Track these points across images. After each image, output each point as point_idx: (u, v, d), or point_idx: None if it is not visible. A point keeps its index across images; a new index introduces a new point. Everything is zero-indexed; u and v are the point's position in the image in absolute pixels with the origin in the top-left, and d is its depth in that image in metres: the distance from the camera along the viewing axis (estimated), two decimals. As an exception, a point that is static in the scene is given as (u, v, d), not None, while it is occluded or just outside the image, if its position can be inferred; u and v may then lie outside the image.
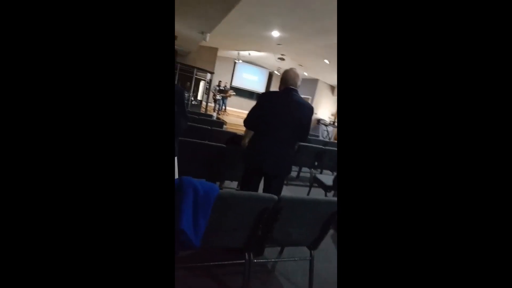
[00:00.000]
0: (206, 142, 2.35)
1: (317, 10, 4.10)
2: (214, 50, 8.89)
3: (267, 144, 1.66)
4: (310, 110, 1.74)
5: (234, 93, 9.94)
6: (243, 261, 1.32)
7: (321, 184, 2.58)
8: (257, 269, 1.62)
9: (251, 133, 1.77)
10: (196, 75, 8.35)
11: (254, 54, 9.65)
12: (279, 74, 11.16)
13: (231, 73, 11.79)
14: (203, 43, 7.43)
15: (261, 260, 1.67)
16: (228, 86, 9.98)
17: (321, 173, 3.83)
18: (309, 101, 9.56)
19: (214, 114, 7.40)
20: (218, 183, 2.44)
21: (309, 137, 2.55)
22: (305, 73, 9.66)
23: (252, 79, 12.35)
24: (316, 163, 3.43)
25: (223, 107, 9.31)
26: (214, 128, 3.23)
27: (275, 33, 5.94)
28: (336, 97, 9.94)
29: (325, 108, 10.67)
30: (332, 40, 5.40)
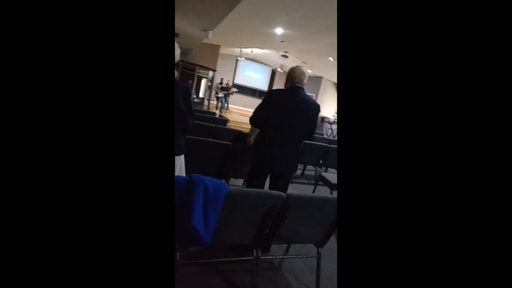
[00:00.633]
0: (211, 139, 2.35)
1: (321, 7, 4.09)
2: (216, 48, 8.87)
3: (277, 143, 1.65)
4: (317, 108, 1.73)
5: (237, 90, 9.88)
6: (251, 257, 1.33)
7: (327, 183, 2.57)
8: (263, 265, 1.63)
9: (257, 131, 1.76)
10: (198, 72, 8.35)
11: (256, 51, 9.59)
12: (282, 71, 11.12)
13: (234, 70, 11.77)
14: (205, 41, 7.41)
15: (268, 257, 1.68)
16: (230, 84, 9.96)
17: (325, 171, 3.83)
18: (313, 99, 9.46)
19: (217, 112, 7.40)
20: (223, 180, 2.44)
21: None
22: (309, 71, 9.58)
23: (255, 77, 12.32)
24: (321, 161, 3.43)
25: (226, 105, 9.28)
26: (218, 126, 3.22)
27: (279, 30, 5.91)
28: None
29: (329, 106, 10.58)
30: (336, 38, 5.36)
